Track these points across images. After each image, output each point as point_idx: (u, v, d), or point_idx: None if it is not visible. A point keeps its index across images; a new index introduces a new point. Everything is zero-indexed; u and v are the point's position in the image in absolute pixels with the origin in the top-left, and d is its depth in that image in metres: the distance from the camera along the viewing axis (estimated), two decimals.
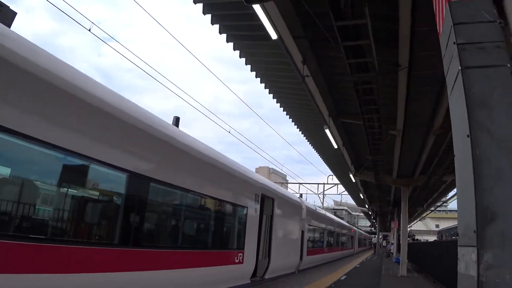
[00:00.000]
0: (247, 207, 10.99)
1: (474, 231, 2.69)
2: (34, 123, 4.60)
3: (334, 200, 73.53)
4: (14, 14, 5.58)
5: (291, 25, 8.67)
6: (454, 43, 3.34)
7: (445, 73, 3.68)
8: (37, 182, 5.04)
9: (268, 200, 12.83)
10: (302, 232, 16.85)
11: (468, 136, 2.94)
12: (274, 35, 7.80)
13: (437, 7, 4.11)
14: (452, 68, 3.42)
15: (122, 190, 6.24)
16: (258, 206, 11.68)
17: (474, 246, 2.67)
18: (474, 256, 2.66)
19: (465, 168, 2.98)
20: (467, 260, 2.83)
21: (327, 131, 12.59)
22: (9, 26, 5.20)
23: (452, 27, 3.41)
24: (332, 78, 11.30)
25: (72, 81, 5.31)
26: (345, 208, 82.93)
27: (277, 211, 13.22)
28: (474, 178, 2.80)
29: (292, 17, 8.59)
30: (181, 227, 8.40)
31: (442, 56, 3.76)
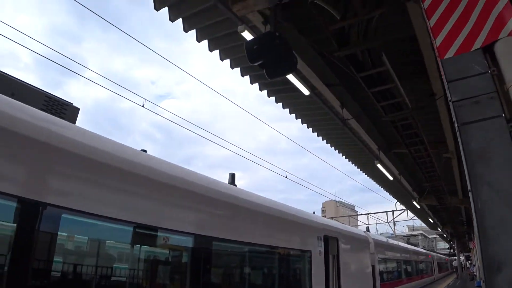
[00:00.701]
0: (310, 251, 11.12)
1: (483, 280, 2.85)
2: (128, 211, 5.40)
3: (407, 226, 70.07)
4: (77, 110, 6.48)
5: (324, 76, 9.13)
6: (450, 101, 3.54)
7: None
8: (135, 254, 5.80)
9: (332, 240, 12.86)
10: (373, 266, 16.52)
11: (469, 190, 3.12)
12: (306, 92, 8.28)
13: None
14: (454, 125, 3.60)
15: (189, 249, 6.81)
16: (322, 248, 11.77)
17: None
18: None
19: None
20: None
21: (379, 165, 12.62)
22: (74, 122, 6.06)
23: (447, 85, 3.64)
24: (375, 115, 11.47)
25: (141, 162, 6.06)
26: (420, 232, 78.27)
27: (342, 249, 13.19)
28: (478, 229, 2.98)
29: (324, 69, 9.05)
30: (246, 278, 8.76)
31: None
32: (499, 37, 3.55)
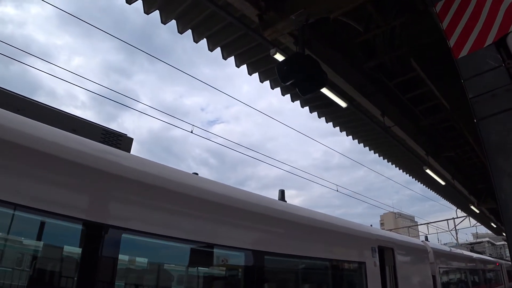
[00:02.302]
0: (365, 262, 10.99)
1: None
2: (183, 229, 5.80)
3: (472, 234, 66.09)
4: (131, 140, 7.02)
5: (360, 87, 9.24)
6: (469, 98, 3.65)
7: None
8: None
9: (388, 251, 12.60)
10: (434, 276, 15.89)
11: (493, 184, 3.19)
12: (343, 104, 8.45)
13: None
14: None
15: (244, 264, 7.08)
16: (377, 259, 11.57)
17: None
18: None
19: None
20: None
21: (428, 170, 12.37)
22: (129, 150, 6.59)
23: (463, 83, 3.75)
24: (416, 120, 11.37)
25: (196, 184, 6.50)
26: (487, 239, 73.34)
27: (398, 260, 12.87)
28: (503, 220, 3.04)
29: (359, 80, 9.17)
30: None
31: None
32: (510, 30, 3.64)
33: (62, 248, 4.55)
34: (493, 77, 3.60)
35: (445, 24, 4.26)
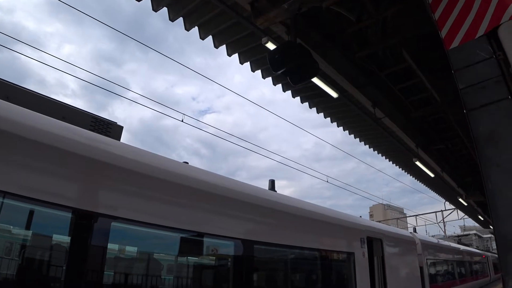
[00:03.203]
0: (354, 253, 11.07)
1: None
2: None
3: (460, 226, 66.96)
4: (121, 128, 6.96)
5: (352, 78, 9.25)
6: (459, 89, 3.66)
7: None
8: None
9: (377, 242, 12.71)
10: (421, 267, 16.09)
11: (481, 173, 3.22)
12: (334, 95, 8.45)
13: None
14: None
15: (232, 253, 7.10)
16: (365, 250, 11.67)
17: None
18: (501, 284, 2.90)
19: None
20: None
21: (417, 163, 12.47)
22: (119, 139, 6.54)
23: (454, 74, 3.76)
24: (407, 112, 11.41)
25: (186, 173, 6.48)
26: (474, 232, 74.31)
27: (387, 251, 13.00)
28: (490, 210, 3.07)
29: (351, 71, 9.17)
30: (288, 281, 8.91)
31: None
32: (501, 22, 3.65)
33: (51, 236, 4.52)
34: (483, 68, 3.61)
35: (437, 15, 4.26)
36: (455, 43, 3.91)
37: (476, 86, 3.57)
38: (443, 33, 4.09)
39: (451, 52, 3.89)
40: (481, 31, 3.76)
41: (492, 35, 3.73)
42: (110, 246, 4.95)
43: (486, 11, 3.80)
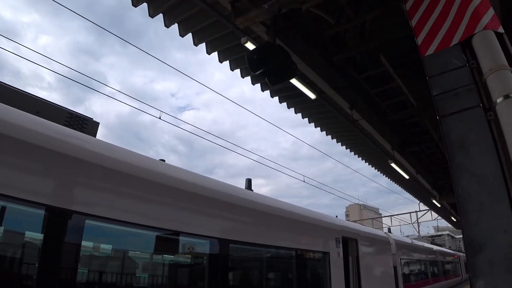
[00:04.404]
0: (329, 252, 11.18)
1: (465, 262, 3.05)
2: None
3: (433, 227, 68.50)
4: (97, 124, 6.87)
5: (331, 80, 9.31)
6: (432, 95, 3.76)
7: None
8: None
9: (352, 242, 12.87)
10: (395, 267, 16.41)
11: (452, 178, 3.31)
12: (312, 96, 8.52)
13: None
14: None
15: (208, 252, 7.09)
16: (340, 249, 11.80)
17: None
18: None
19: None
20: None
21: (393, 164, 12.69)
22: (95, 135, 6.45)
23: (428, 80, 3.85)
24: (384, 115, 11.59)
25: (162, 171, 6.43)
26: (447, 232, 76.14)
27: (362, 251, 13.19)
28: (460, 214, 3.17)
29: (330, 73, 9.24)
30: (263, 280, 8.94)
31: None
32: (475, 31, 3.75)
33: (23, 233, 4.44)
34: (456, 76, 3.71)
35: (414, 22, 4.35)
36: (430, 50, 4.00)
37: (449, 93, 3.66)
38: (419, 40, 4.18)
39: (426, 59, 3.98)
40: (455, 40, 3.85)
41: (466, 44, 3.83)
42: (84, 243, 4.91)
43: (461, 21, 3.90)
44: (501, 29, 3.69)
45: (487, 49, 3.61)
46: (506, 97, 3.19)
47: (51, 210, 4.50)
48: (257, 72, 6.52)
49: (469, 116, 3.47)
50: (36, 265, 4.34)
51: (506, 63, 3.41)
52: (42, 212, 4.44)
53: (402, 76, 7.36)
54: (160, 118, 12.23)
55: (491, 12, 3.80)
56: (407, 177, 14.53)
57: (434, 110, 3.65)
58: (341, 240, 11.96)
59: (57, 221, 4.59)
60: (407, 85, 7.54)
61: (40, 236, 4.46)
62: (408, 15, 4.48)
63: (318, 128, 14.12)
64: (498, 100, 3.22)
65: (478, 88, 3.57)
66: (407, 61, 8.19)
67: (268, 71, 6.45)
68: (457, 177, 3.29)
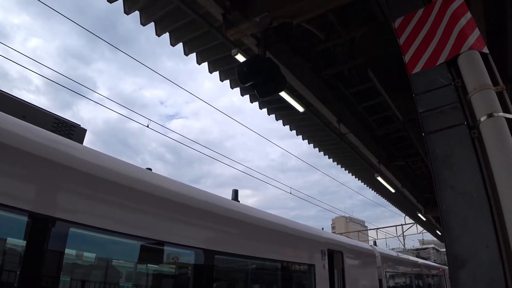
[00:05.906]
0: (314, 265, 11.18)
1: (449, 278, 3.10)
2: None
3: (419, 240, 68.91)
4: (84, 131, 6.83)
5: (319, 93, 9.42)
6: (418, 113, 3.83)
7: None
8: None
9: (337, 254, 12.90)
10: (380, 280, 16.46)
11: (436, 194, 3.38)
12: (301, 109, 8.59)
13: None
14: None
15: (193, 262, 7.04)
16: (326, 262, 11.81)
17: None
18: None
19: None
20: None
21: (379, 178, 12.81)
22: (82, 142, 6.41)
23: (415, 98, 3.94)
24: (371, 129, 11.73)
25: (149, 180, 6.40)
26: (432, 246, 76.65)
27: (347, 263, 13.21)
28: (443, 229, 3.22)
29: (319, 86, 9.35)
30: None
31: None
32: (461, 51, 3.85)
33: (5, 240, 4.38)
34: (442, 94, 3.79)
35: (402, 40, 4.45)
36: (417, 69, 4.09)
37: (434, 111, 3.74)
38: (406, 58, 4.27)
39: (413, 77, 4.07)
40: (441, 59, 3.95)
41: (452, 63, 3.92)
42: (67, 251, 4.86)
43: (447, 40, 4.00)
44: (486, 50, 3.80)
45: (472, 69, 3.70)
46: (490, 115, 3.27)
47: (34, 217, 4.44)
48: (247, 84, 6.57)
49: (454, 133, 3.54)
50: (18, 272, 4.27)
51: (490, 83, 3.50)
52: (25, 218, 4.38)
53: (389, 90, 7.48)
54: (148, 126, 12.18)
55: (476, 32, 3.91)
56: (393, 190, 14.67)
57: (419, 126, 3.76)
58: (326, 253, 11.97)
59: (40, 228, 4.53)
60: (394, 100, 7.66)
61: (22, 242, 4.40)
62: (397, 33, 4.58)
63: (306, 141, 14.22)
64: (482, 119, 3.30)
65: (463, 106, 3.64)
66: (394, 75, 8.33)
67: (257, 84, 6.51)
68: (441, 193, 3.35)
